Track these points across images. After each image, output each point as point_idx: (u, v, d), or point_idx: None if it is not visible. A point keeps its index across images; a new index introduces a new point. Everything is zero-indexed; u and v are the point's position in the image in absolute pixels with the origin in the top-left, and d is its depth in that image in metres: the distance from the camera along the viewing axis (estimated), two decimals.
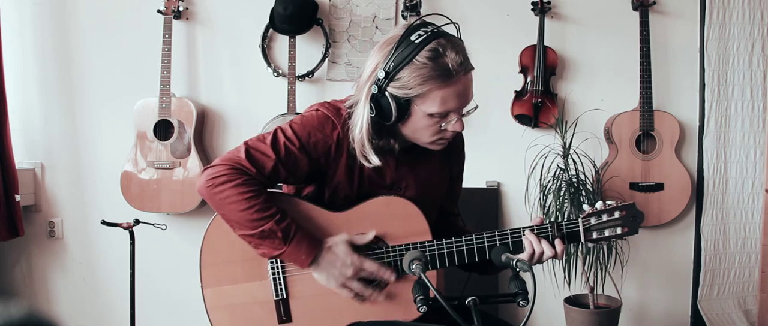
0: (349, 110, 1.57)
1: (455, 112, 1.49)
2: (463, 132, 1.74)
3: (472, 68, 1.49)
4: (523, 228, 1.56)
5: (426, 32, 1.45)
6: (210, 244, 1.62)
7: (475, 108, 1.54)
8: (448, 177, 1.75)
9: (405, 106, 1.47)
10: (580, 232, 1.56)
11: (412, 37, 1.44)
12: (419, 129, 1.51)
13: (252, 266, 1.60)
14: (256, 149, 1.54)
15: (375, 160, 1.53)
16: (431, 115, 1.48)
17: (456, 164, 1.77)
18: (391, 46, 1.46)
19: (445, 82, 1.44)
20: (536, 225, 1.57)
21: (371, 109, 1.49)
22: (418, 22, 1.48)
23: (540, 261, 1.55)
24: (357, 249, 1.56)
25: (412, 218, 1.59)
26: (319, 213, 1.59)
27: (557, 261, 2.90)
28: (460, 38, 1.50)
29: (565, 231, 1.56)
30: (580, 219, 1.57)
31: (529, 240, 1.54)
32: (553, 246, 1.54)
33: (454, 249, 1.57)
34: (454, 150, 1.74)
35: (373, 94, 1.48)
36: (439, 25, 1.49)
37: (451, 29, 1.50)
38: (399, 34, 1.46)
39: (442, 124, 1.50)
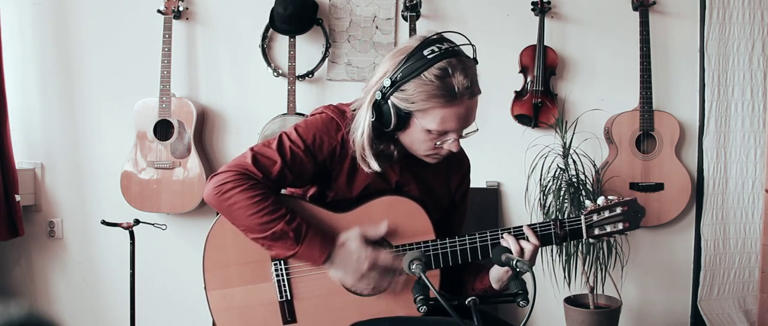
0: (353, 113, 1.59)
1: (454, 132, 1.50)
2: (470, 161, 1.76)
3: (479, 92, 1.49)
4: (501, 230, 1.57)
5: (440, 49, 1.45)
6: (213, 247, 1.63)
7: (476, 131, 1.54)
8: (451, 196, 1.74)
9: (405, 118, 1.48)
10: (582, 229, 1.58)
11: (425, 52, 1.44)
12: (416, 141, 1.53)
13: (255, 268, 1.61)
14: (262, 154, 1.55)
15: (375, 166, 1.54)
16: (429, 131, 1.49)
17: (459, 191, 1.75)
18: (402, 56, 1.47)
19: (448, 103, 1.45)
20: (539, 224, 1.58)
21: (372, 114, 1.51)
22: (434, 36, 1.48)
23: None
24: (369, 242, 1.57)
25: (416, 217, 1.60)
26: (324, 214, 1.60)
27: (557, 261, 2.93)
28: (476, 59, 1.50)
29: (567, 228, 1.58)
30: (582, 216, 1.58)
31: (506, 241, 1.55)
32: (528, 241, 1.55)
33: (458, 248, 1.58)
34: (457, 171, 1.74)
35: (376, 100, 1.49)
36: (456, 42, 1.48)
37: (462, 39, 1.49)
38: (413, 45, 1.47)
39: (438, 141, 1.51)
